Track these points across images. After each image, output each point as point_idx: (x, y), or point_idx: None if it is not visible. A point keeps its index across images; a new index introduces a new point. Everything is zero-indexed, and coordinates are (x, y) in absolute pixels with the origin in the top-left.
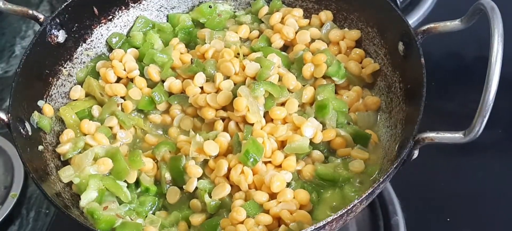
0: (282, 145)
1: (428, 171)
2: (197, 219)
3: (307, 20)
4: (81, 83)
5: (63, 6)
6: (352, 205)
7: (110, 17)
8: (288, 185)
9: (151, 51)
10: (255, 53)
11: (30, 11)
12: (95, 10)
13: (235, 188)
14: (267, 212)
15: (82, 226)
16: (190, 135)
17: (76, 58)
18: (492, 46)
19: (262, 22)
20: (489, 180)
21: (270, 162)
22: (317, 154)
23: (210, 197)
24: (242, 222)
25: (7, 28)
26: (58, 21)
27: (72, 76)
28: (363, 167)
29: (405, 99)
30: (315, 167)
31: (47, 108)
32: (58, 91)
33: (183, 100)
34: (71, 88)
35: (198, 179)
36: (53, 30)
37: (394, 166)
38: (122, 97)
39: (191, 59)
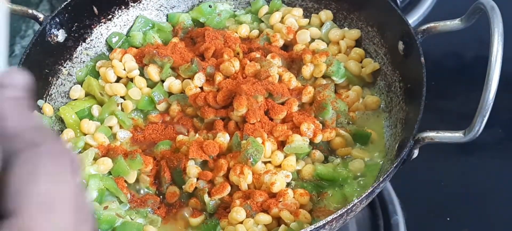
0: (282, 145)
1: (428, 170)
2: (196, 219)
3: (307, 20)
4: (81, 82)
5: (62, 5)
6: (352, 204)
7: (110, 16)
8: (288, 185)
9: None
10: (255, 52)
11: (30, 11)
12: (95, 9)
13: (235, 187)
14: (266, 212)
15: None
16: (190, 135)
17: (76, 57)
18: (492, 46)
19: (262, 21)
20: (489, 180)
21: (270, 162)
22: (317, 154)
23: (210, 196)
24: (241, 222)
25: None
26: (58, 20)
27: (72, 75)
28: (363, 166)
29: (405, 98)
30: (315, 167)
31: (47, 108)
32: (58, 91)
33: (183, 100)
34: (71, 87)
35: (198, 179)
36: (52, 30)
37: (394, 165)
38: (122, 97)
39: (191, 59)
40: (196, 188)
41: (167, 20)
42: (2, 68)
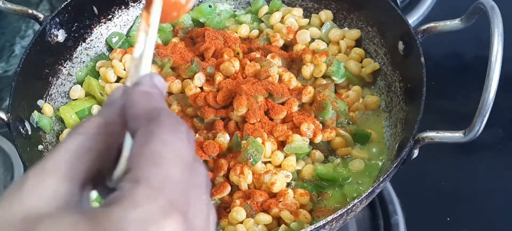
0: (282, 145)
1: (428, 170)
2: None
3: (307, 20)
4: (81, 82)
5: (62, 5)
6: (352, 204)
7: (110, 16)
8: (288, 185)
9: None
10: (255, 52)
11: (30, 11)
12: (95, 9)
13: (235, 187)
14: (267, 212)
15: None
16: None
17: (76, 57)
18: (492, 46)
19: (262, 21)
20: (489, 180)
21: (270, 162)
22: (317, 154)
23: (210, 196)
24: (241, 222)
25: (7, 28)
26: (58, 20)
27: (72, 75)
28: (363, 166)
29: (405, 98)
30: (315, 167)
31: (47, 108)
32: (58, 91)
33: (183, 100)
34: (71, 87)
35: None
36: (52, 30)
37: (394, 165)
38: None
39: (191, 59)
40: None
41: None
42: (145, 72)
